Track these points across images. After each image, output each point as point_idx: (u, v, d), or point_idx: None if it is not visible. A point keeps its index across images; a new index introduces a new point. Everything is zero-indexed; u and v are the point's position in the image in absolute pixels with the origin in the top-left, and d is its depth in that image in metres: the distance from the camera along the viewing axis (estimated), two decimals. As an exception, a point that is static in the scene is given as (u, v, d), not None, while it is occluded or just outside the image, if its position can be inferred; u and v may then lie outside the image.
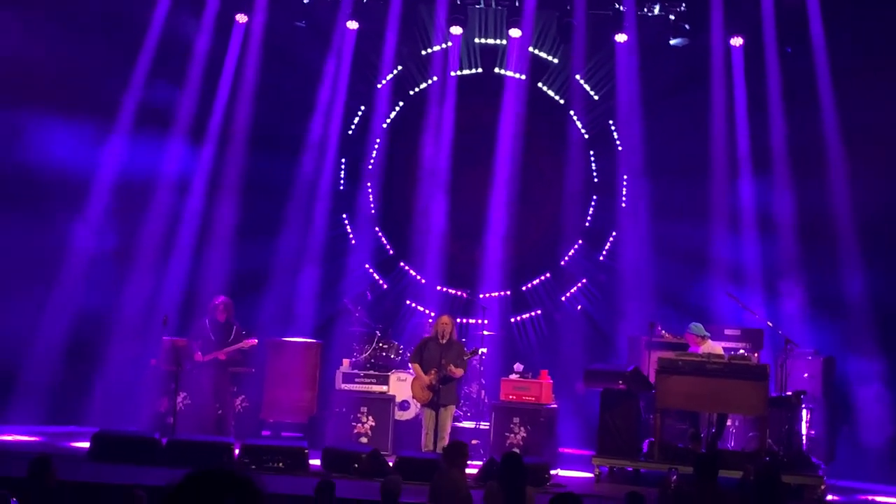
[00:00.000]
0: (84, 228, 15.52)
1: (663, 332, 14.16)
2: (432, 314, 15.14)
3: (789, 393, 12.83)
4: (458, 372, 12.79)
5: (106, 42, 15.40)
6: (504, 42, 17.07)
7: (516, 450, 12.99)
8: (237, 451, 12.16)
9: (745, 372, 12.27)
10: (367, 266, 17.14)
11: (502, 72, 17.10)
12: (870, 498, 12.59)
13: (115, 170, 15.82)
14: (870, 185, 14.80)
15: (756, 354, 13.86)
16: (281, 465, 11.97)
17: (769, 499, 8.27)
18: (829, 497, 12.05)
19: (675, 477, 10.46)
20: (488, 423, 13.72)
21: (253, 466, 11.88)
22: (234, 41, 16.53)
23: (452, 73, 17.10)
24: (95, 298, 15.30)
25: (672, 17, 16.13)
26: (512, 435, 13.42)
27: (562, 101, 17.12)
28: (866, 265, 14.96)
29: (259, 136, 16.42)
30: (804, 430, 13.09)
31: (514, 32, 16.57)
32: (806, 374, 14.06)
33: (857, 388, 14.64)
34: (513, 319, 16.95)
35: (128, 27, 15.76)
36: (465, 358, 12.81)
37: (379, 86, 17.12)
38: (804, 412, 13.02)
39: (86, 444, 12.25)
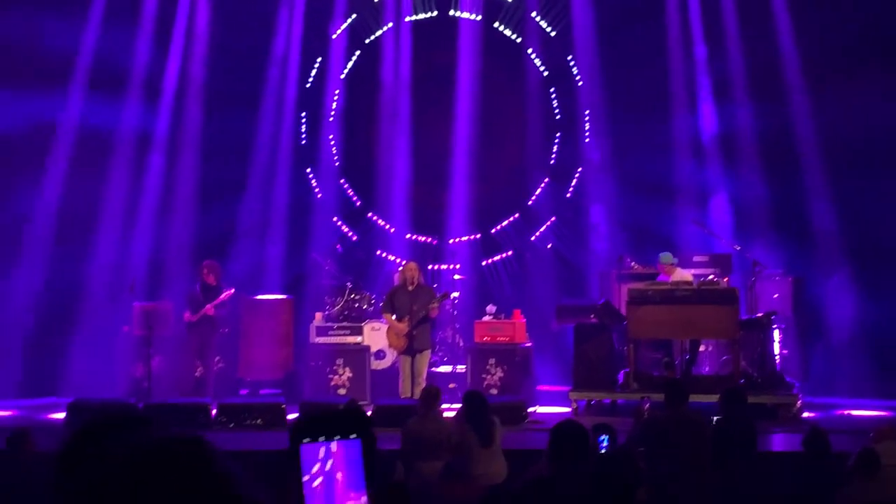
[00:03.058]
0: (47, 195, 15.35)
1: (633, 263, 14.20)
2: (403, 262, 15.12)
3: (760, 314, 12.92)
4: (435, 308, 12.76)
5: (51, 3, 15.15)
6: (457, -17, 16.93)
7: (493, 391, 13.11)
8: (214, 411, 12.17)
9: (715, 296, 12.34)
10: (334, 219, 17.07)
11: (457, 14, 16.95)
12: (845, 412, 12.73)
13: (72, 134, 15.62)
14: (830, 106, 14.80)
15: (725, 279, 13.92)
16: (259, 421, 12.00)
17: (735, 419, 8.35)
18: (805, 414, 12.17)
19: (647, 405, 10.56)
20: (464, 367, 13.76)
21: (231, 425, 11.91)
22: (183, -3, 16.35)
23: (407, 19, 16.95)
24: (64, 267, 15.18)
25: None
26: (489, 376, 13.46)
27: (519, 40, 17.00)
28: (830, 185, 15.01)
29: (216, 93, 16.25)
30: (777, 351, 13.22)
31: (467, -27, 16.43)
32: (776, 295, 14.15)
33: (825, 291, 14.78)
34: (484, 262, 16.95)
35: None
36: (434, 305, 12.79)
37: (334, 36, 16.95)
38: (775, 332, 13.13)
39: (63, 415, 12.21)
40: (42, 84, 15.19)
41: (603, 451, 7.82)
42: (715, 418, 8.49)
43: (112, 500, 1.58)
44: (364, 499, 2.28)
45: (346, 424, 2.30)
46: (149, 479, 1.58)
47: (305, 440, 2.27)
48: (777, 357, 13.20)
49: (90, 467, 1.64)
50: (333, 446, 2.28)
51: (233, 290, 14.10)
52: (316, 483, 2.26)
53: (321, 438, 2.27)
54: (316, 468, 2.28)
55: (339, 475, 2.28)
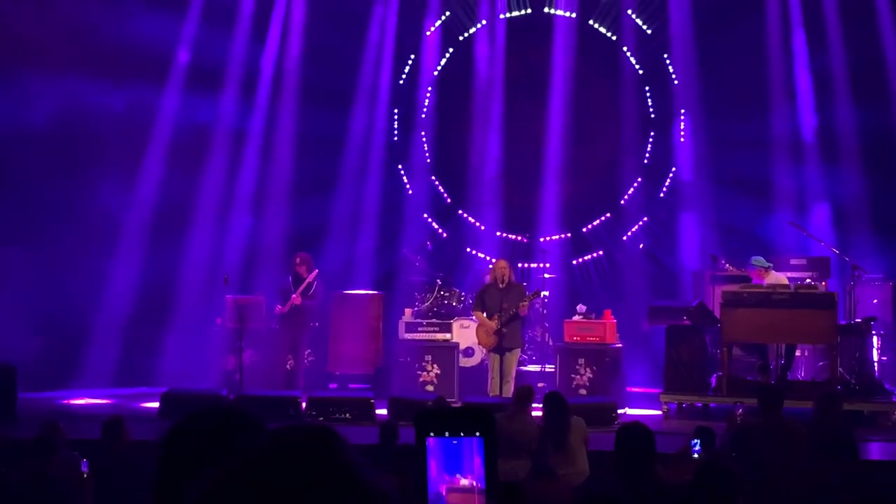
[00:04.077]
0: (145, 188, 15.64)
1: (727, 265, 13.95)
2: (493, 260, 15.05)
3: (858, 320, 12.59)
4: (525, 306, 12.68)
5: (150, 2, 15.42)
6: (552, -20, 16.82)
7: (582, 392, 12.99)
8: (304, 405, 12.26)
9: (812, 301, 12.05)
10: (425, 215, 17.10)
11: (552, 11, 16.85)
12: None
13: (170, 129, 15.91)
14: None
15: (823, 283, 13.62)
16: (348, 415, 12.05)
17: (832, 426, 8.13)
18: (904, 423, 11.82)
19: (741, 410, 10.34)
20: (554, 366, 13.66)
21: (321, 418, 11.99)
22: (280, -5, 16.54)
23: (501, 16, 16.90)
24: (159, 259, 15.45)
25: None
26: (578, 376, 13.34)
27: (614, 38, 16.83)
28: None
29: (310, 89, 16.40)
30: (875, 357, 12.87)
31: (562, -30, 16.33)
32: (875, 301, 13.81)
33: None
34: (574, 262, 16.82)
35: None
36: (528, 300, 12.73)
37: (428, 33, 16.97)
38: (874, 338, 12.79)
39: (156, 405, 12.41)
40: (141, 78, 15.50)
41: (696, 455, 7.69)
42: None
43: (244, 495, 1.56)
44: (483, 498, 2.24)
45: (470, 422, 2.27)
46: (268, 476, 1.57)
47: (431, 434, 2.25)
48: (875, 364, 12.86)
49: (202, 471, 1.63)
50: (458, 443, 2.26)
51: (316, 272, 14.07)
52: (444, 489, 2.25)
53: (446, 434, 2.25)
54: (440, 463, 2.26)
55: (460, 472, 2.26)
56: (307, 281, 13.89)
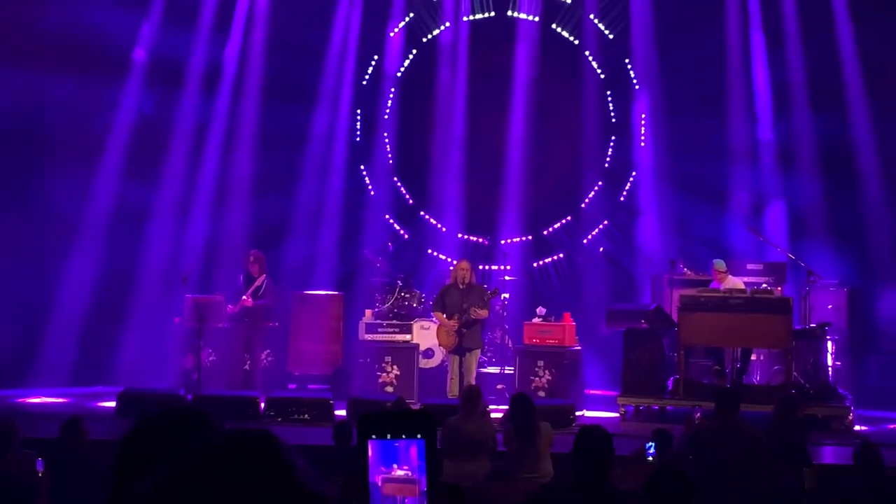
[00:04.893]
0: (103, 186, 15.50)
1: (685, 269, 14.09)
2: (454, 262, 15.08)
3: (813, 325, 12.76)
4: (483, 313, 12.78)
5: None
6: (516, -17, 16.88)
7: (541, 394, 13.06)
8: (262, 405, 12.23)
9: (768, 305, 12.20)
10: (386, 216, 17.11)
11: (515, 14, 16.91)
12: (898, 427, 12.54)
13: (129, 125, 15.76)
14: (890, 113, 14.57)
15: (779, 288, 13.78)
16: (306, 416, 12.05)
17: (788, 431, 8.23)
18: (857, 427, 11.99)
19: (698, 414, 10.43)
20: (513, 368, 13.72)
21: (279, 419, 11.97)
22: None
23: (465, 18, 16.94)
24: (117, 257, 15.33)
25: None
26: (537, 378, 13.41)
27: (576, 42, 16.91)
28: (889, 195, 14.79)
29: (273, 87, 16.31)
30: (829, 362, 13.04)
31: (526, -27, 16.40)
32: (830, 306, 13.99)
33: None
34: (535, 264, 16.89)
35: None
36: (487, 298, 12.82)
37: (391, 34, 16.98)
38: (829, 343, 12.96)
39: (113, 404, 12.34)
40: (99, 73, 15.30)
41: (650, 458, 7.77)
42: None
43: (187, 499, 1.60)
44: (424, 500, 2.28)
45: (412, 424, 2.31)
46: (223, 475, 1.60)
47: (373, 436, 2.29)
48: (830, 368, 13.04)
49: (158, 468, 1.66)
50: (399, 445, 2.30)
51: (265, 277, 14.04)
52: (380, 480, 2.29)
53: (388, 436, 2.29)
54: (381, 465, 2.30)
55: (401, 474, 2.30)
56: (255, 284, 13.85)
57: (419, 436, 2.30)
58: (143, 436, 2.16)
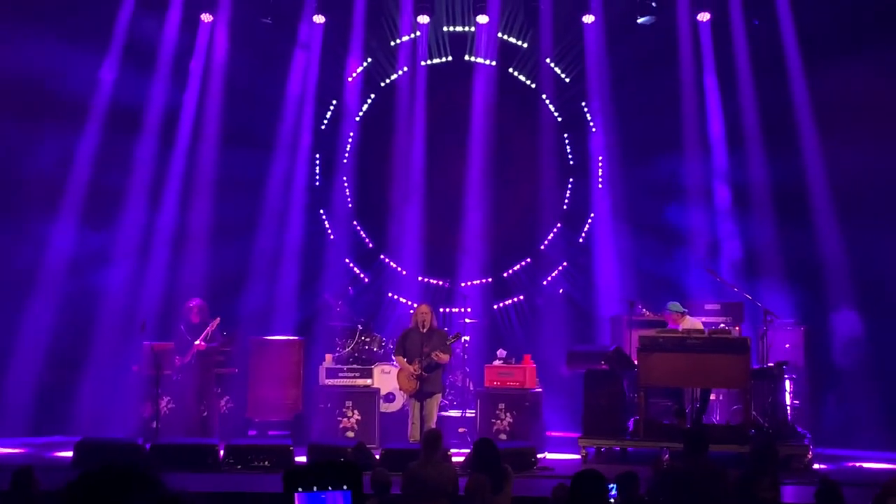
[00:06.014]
0: (60, 235, 15.38)
1: (644, 310, 14.16)
2: (414, 305, 15.09)
3: (771, 364, 12.85)
4: (444, 357, 12.77)
5: (69, 45, 15.18)
6: (472, 29, 17.03)
7: (502, 437, 13.04)
8: (222, 452, 12.12)
9: (726, 345, 12.29)
10: (346, 260, 17.10)
11: (472, 59, 17.06)
12: (857, 464, 12.61)
13: (87, 172, 15.65)
14: (842, 153, 14.78)
15: (737, 328, 13.89)
16: (267, 463, 11.94)
17: (763, 470, 8.23)
18: (817, 466, 12.05)
19: (667, 455, 10.46)
20: (474, 411, 13.71)
21: (239, 466, 11.86)
22: (200, 40, 16.43)
23: (422, 63, 17.05)
24: (74, 306, 15.19)
25: (638, -5, 16.10)
26: (498, 421, 13.40)
27: (533, 86, 17.08)
28: (843, 234, 14.97)
29: (231, 134, 16.29)
30: (788, 401, 13.14)
31: (482, 19, 16.57)
32: (787, 345, 14.10)
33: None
34: (495, 306, 16.94)
35: (91, 29, 15.55)
36: (448, 343, 12.81)
37: (349, 79, 17.06)
38: (787, 382, 13.06)
39: (70, 454, 12.18)
40: (58, 122, 15.24)
41: (611, 501, 7.75)
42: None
43: None
44: None
45: (338, 475, 2.33)
46: None
47: (299, 489, 2.31)
48: (788, 407, 13.13)
49: None
50: (325, 496, 2.32)
51: (218, 320, 13.95)
52: None
53: (314, 488, 2.31)
54: None
55: None
56: (209, 330, 13.74)
57: (345, 486, 2.31)
58: (82, 493, 2.15)
